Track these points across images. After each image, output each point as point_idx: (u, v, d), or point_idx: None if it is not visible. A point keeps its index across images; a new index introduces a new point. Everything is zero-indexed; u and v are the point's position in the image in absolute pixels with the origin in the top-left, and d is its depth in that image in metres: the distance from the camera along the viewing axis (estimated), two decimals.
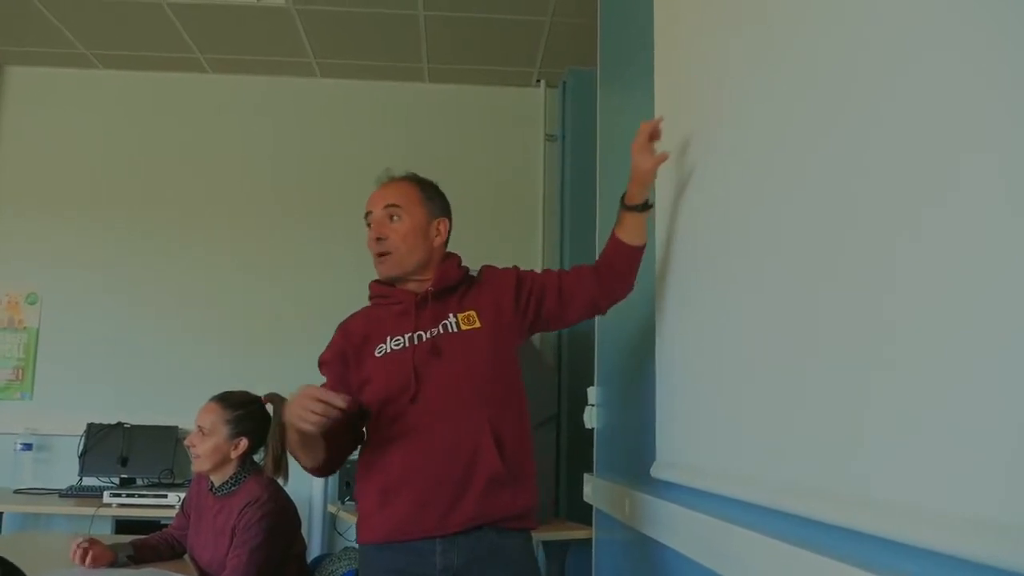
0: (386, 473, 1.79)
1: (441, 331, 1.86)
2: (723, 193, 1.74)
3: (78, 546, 2.28)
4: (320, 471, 1.91)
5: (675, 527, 1.92)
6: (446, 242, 1.99)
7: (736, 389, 1.62)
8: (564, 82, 4.46)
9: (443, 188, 2.03)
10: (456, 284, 1.93)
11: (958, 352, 0.93)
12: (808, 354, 1.30)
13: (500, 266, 2.03)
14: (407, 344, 1.84)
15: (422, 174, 2.04)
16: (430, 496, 1.74)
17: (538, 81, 4.61)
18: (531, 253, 4.46)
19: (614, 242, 2.00)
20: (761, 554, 1.41)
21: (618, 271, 2.00)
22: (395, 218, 1.90)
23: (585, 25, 3.70)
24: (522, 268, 2.02)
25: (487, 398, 1.81)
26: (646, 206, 1.97)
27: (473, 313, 1.88)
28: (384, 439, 1.81)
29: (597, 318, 3.01)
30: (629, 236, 1.98)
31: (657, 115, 2.25)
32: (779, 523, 1.38)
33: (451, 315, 1.88)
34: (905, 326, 1.04)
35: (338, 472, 3.86)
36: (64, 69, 4.55)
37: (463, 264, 1.99)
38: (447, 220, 1.98)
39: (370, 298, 1.99)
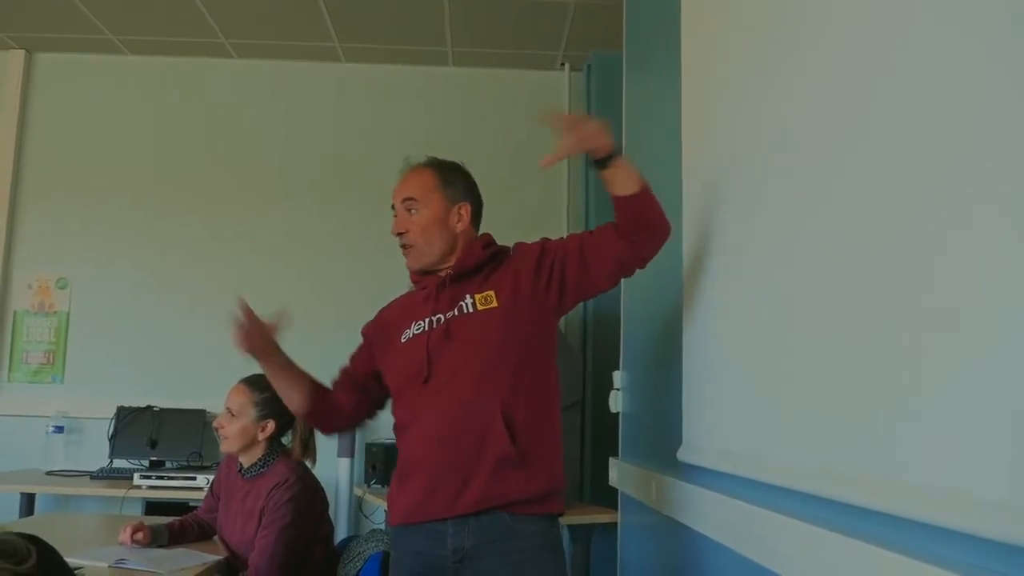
0: (403, 457, 1.87)
1: (456, 313, 1.86)
2: (754, 174, 1.73)
3: (134, 529, 2.35)
4: (309, 419, 2.08)
5: (704, 511, 1.91)
6: (474, 224, 1.98)
7: (766, 373, 1.61)
8: (589, 65, 4.43)
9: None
10: (478, 265, 1.90)
11: (997, 337, 0.92)
12: (843, 336, 1.29)
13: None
14: (426, 328, 1.87)
15: (446, 158, 2.03)
16: (440, 479, 1.76)
17: (562, 64, 4.58)
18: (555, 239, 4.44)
19: (614, 201, 1.82)
20: (793, 539, 1.40)
21: (632, 225, 1.81)
22: (413, 211, 1.92)
23: (610, 7, 3.66)
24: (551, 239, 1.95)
25: (500, 379, 1.78)
26: (610, 157, 1.76)
27: (492, 293, 1.86)
28: (402, 423, 1.88)
29: (623, 303, 3.01)
30: (618, 189, 1.78)
31: (684, 98, 2.24)
32: (809, 507, 1.38)
33: (468, 296, 1.87)
34: (944, 311, 1.02)
35: (364, 456, 3.91)
36: (91, 55, 4.58)
37: (497, 243, 1.97)
38: (469, 204, 1.96)
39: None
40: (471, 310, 1.85)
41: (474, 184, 2.01)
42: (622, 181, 1.77)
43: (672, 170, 2.29)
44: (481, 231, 2.02)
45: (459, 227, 1.94)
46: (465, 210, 1.95)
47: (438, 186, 1.94)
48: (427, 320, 1.87)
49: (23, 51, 4.54)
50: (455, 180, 1.96)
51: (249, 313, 1.89)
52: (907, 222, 1.11)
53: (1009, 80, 0.91)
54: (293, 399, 2.00)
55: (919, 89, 1.09)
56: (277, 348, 1.96)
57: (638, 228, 1.80)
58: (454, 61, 4.58)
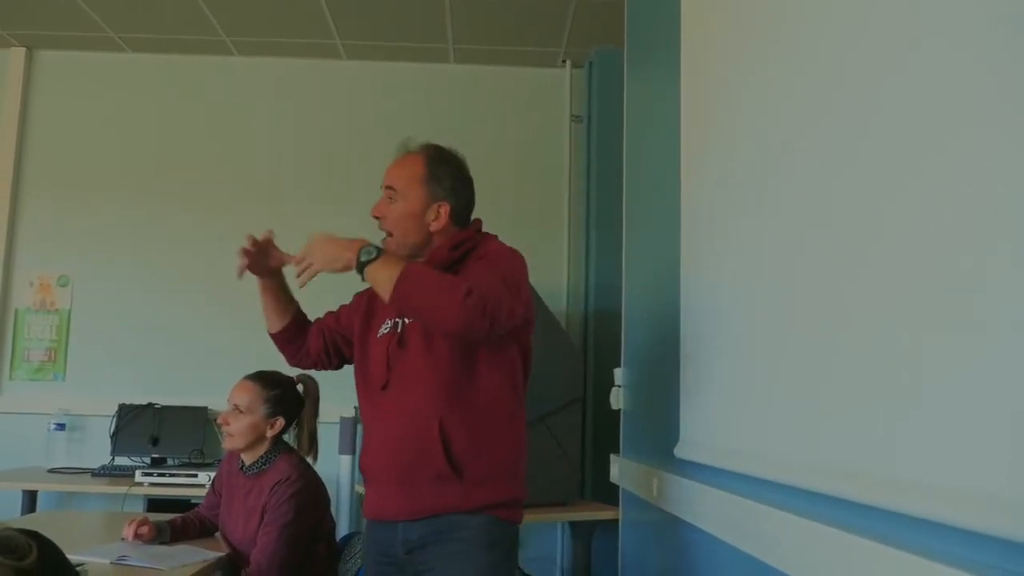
0: (364, 456, 1.92)
1: (411, 319, 1.85)
2: (753, 173, 1.73)
3: (139, 524, 2.35)
4: (275, 341, 2.13)
5: (704, 508, 1.92)
6: (456, 222, 1.91)
7: (764, 370, 1.61)
8: (590, 62, 4.43)
9: (468, 170, 1.97)
10: (448, 266, 1.83)
11: (997, 336, 0.92)
12: (842, 334, 1.29)
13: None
14: (391, 329, 1.88)
15: (446, 148, 1.97)
16: (387, 485, 1.83)
17: (564, 61, 4.58)
18: (556, 236, 4.45)
19: None
20: (793, 534, 1.40)
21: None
22: (392, 200, 1.90)
23: (612, 3, 3.66)
24: (504, 254, 1.84)
25: (442, 393, 1.77)
26: (361, 265, 1.73)
27: None
28: (365, 423, 1.92)
29: (624, 300, 3.00)
30: (382, 295, 1.74)
31: (684, 96, 2.24)
32: (808, 503, 1.38)
33: None
34: (944, 309, 1.02)
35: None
36: (92, 53, 4.57)
37: (475, 236, 1.90)
38: (449, 204, 1.89)
39: None
40: None
41: (463, 181, 1.94)
42: (379, 287, 1.73)
43: (672, 167, 2.29)
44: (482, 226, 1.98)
45: (434, 225, 1.89)
46: (444, 209, 1.89)
47: (422, 179, 1.89)
48: (393, 321, 1.89)
49: (24, 49, 4.53)
50: (442, 176, 1.90)
51: (264, 243, 1.99)
52: (907, 222, 1.11)
53: (1009, 79, 0.91)
54: (271, 321, 2.10)
55: (920, 89, 1.09)
56: (278, 273, 2.05)
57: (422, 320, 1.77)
58: (455, 58, 4.58)
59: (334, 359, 2.12)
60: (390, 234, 1.91)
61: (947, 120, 1.03)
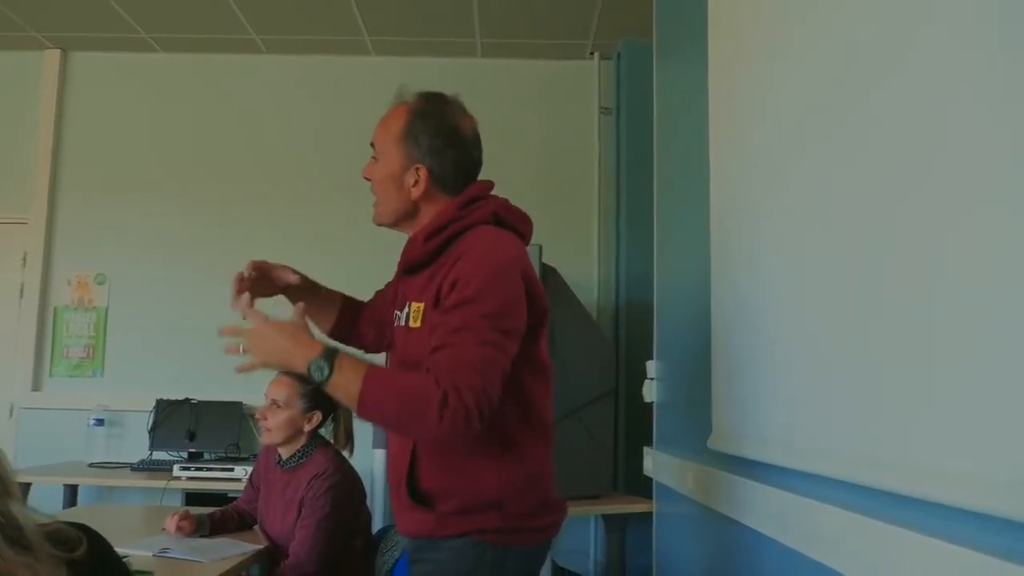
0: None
1: (398, 321, 1.68)
2: (780, 166, 1.71)
3: (180, 517, 2.39)
4: (330, 337, 1.89)
5: (747, 502, 1.90)
6: (444, 189, 1.65)
7: (799, 361, 1.60)
8: (618, 54, 4.41)
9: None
10: (426, 260, 1.63)
11: None
12: (885, 322, 1.28)
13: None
14: (399, 320, 1.70)
15: (441, 96, 1.71)
16: (391, 495, 1.72)
17: (592, 53, 4.57)
18: (586, 228, 4.44)
19: None
20: (830, 524, 1.39)
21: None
22: (375, 160, 1.70)
23: None
24: (494, 267, 1.53)
25: None
26: (322, 378, 1.46)
27: (421, 307, 1.59)
28: None
29: (656, 292, 2.99)
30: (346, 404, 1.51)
31: (712, 85, 2.22)
32: (843, 493, 1.37)
33: (407, 304, 1.65)
34: (989, 300, 1.01)
35: None
36: (125, 54, 4.64)
37: (464, 215, 1.62)
38: (426, 167, 1.62)
39: None
40: (404, 323, 1.65)
41: (449, 139, 1.64)
42: (342, 402, 1.51)
43: (702, 158, 2.28)
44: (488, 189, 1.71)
45: (414, 192, 1.63)
46: (423, 173, 1.62)
47: (400, 137, 1.64)
48: (396, 312, 1.72)
49: (59, 51, 4.61)
50: (422, 133, 1.62)
51: (259, 271, 1.82)
52: (933, 214, 1.09)
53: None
54: (319, 325, 1.86)
55: (943, 78, 1.08)
56: (293, 289, 1.84)
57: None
58: (483, 52, 4.58)
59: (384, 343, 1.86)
60: (375, 198, 1.72)
61: (955, 117, 1.01)
